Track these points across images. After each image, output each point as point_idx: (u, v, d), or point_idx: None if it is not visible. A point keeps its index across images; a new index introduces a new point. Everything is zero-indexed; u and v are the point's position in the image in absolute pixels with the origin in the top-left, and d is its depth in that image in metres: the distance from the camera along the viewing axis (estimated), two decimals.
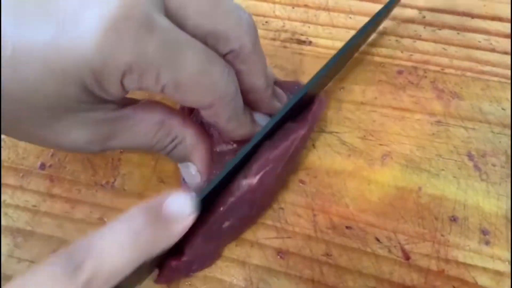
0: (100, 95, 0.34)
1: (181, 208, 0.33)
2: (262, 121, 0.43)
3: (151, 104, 0.40)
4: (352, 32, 0.45)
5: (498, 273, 0.41)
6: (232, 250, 0.45)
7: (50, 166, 0.51)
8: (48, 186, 0.50)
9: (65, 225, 0.48)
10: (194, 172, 0.43)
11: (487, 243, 0.42)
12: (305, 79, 0.49)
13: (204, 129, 0.44)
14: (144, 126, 0.39)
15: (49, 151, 0.51)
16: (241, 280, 0.44)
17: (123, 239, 0.30)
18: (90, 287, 0.27)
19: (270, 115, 0.43)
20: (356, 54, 0.50)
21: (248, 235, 0.45)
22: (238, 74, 0.38)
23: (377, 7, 0.49)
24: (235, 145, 0.44)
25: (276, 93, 0.44)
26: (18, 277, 0.27)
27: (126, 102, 0.39)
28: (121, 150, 0.50)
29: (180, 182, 0.46)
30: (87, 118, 0.36)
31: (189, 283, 0.44)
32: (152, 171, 0.49)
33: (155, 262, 0.37)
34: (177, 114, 0.41)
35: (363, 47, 0.50)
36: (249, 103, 0.42)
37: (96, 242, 0.29)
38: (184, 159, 0.43)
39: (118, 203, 0.48)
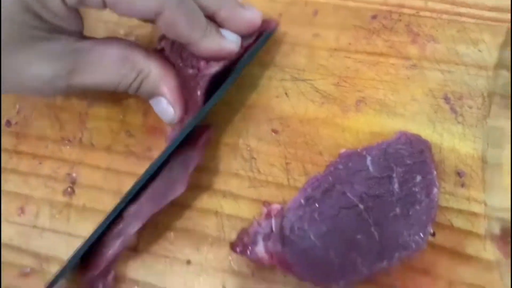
0: (44, 14, 0.33)
1: None
2: (231, 36, 0.41)
3: (112, 39, 0.39)
4: None
5: (473, 214, 0.40)
6: (205, 201, 0.43)
7: (16, 123, 0.48)
8: (14, 143, 0.47)
9: (31, 181, 0.46)
10: (165, 105, 0.41)
11: (462, 185, 0.41)
12: None
13: (169, 61, 0.42)
14: (106, 61, 0.38)
15: (14, 108, 0.49)
16: (213, 229, 0.42)
17: None
18: None
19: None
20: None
21: (220, 185, 0.44)
22: None
23: None
24: (203, 70, 0.42)
25: (244, 13, 0.42)
26: None
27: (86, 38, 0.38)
28: (89, 104, 0.48)
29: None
30: (47, 50, 0.35)
31: (161, 234, 0.43)
32: (120, 125, 0.47)
33: None
34: (140, 48, 0.40)
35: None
36: (220, 23, 0.41)
37: None
38: (153, 93, 0.41)
39: (86, 158, 0.46)
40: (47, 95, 0.45)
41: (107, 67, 0.38)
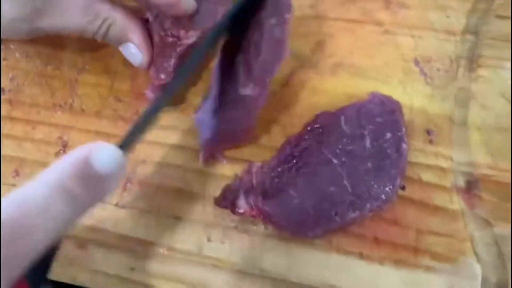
0: None
1: (109, 164, 0.30)
2: None
3: None
4: None
5: (441, 169, 0.43)
6: (191, 162, 0.46)
7: (9, 90, 0.50)
8: (8, 109, 0.49)
9: (25, 145, 0.48)
10: (134, 50, 0.44)
11: (431, 142, 0.43)
12: None
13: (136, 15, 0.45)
14: (71, 7, 0.40)
15: (7, 76, 0.51)
16: (199, 188, 0.45)
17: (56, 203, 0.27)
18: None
19: None
20: None
21: None
22: None
23: None
24: (182, 39, 0.44)
25: None
26: None
27: None
28: (78, 72, 0.50)
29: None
30: None
31: (148, 192, 0.45)
32: (109, 91, 0.49)
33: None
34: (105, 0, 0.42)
35: None
36: None
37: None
38: (121, 40, 0.44)
39: (77, 123, 0.48)
40: (11, 36, 0.45)
41: (70, 12, 0.40)
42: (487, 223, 0.41)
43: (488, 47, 0.45)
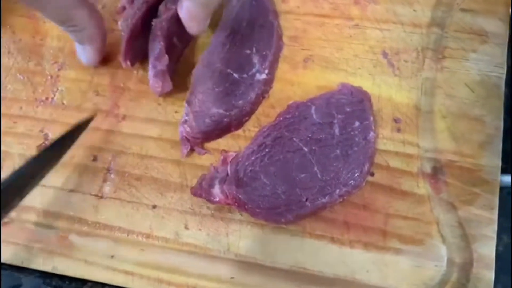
0: None
1: None
2: None
3: None
4: None
5: (408, 155, 0.44)
6: (168, 152, 0.46)
7: None
8: None
9: (7, 139, 0.48)
10: (91, 53, 0.46)
11: (398, 130, 0.44)
12: None
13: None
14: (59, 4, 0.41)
15: None
16: (176, 177, 0.45)
17: None
18: None
19: None
20: None
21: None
22: None
23: None
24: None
25: None
26: None
27: None
28: (59, 68, 0.50)
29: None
30: None
31: (128, 183, 0.45)
32: (89, 85, 0.49)
33: None
34: (87, 6, 0.43)
35: None
36: None
37: None
38: (84, 43, 0.45)
39: (58, 117, 0.48)
40: None
41: (55, 4, 0.41)
42: (452, 207, 0.42)
43: (453, 39, 0.46)
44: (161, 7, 0.45)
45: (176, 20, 0.43)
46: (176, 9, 0.42)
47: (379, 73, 0.46)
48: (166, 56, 0.44)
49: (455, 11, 0.47)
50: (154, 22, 0.45)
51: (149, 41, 0.45)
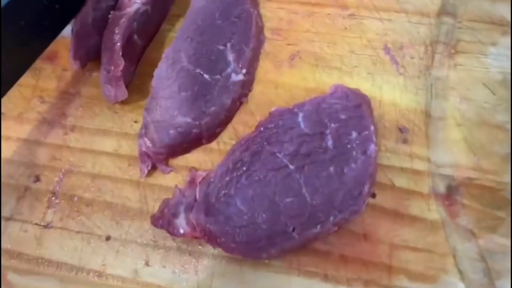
0: None
1: None
2: None
3: None
4: None
5: (416, 172, 0.36)
6: (125, 170, 0.38)
7: None
8: None
9: None
10: None
11: (404, 141, 0.37)
12: None
13: None
14: None
15: None
16: (135, 201, 0.38)
17: None
18: None
19: None
20: None
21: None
22: None
23: None
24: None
25: None
26: None
27: None
28: None
29: None
30: None
31: (76, 209, 0.38)
32: (33, 91, 0.42)
33: None
34: None
35: None
36: None
37: None
38: None
39: None
40: None
41: None
42: (472, 234, 0.35)
43: (467, 30, 0.40)
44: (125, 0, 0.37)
45: (141, 15, 0.37)
46: (142, 5, 0.36)
47: (380, 72, 0.39)
48: (122, 60, 0.37)
49: None
50: (112, 15, 0.37)
51: (103, 38, 0.37)
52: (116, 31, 0.37)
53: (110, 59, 0.37)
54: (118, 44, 0.37)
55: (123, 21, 0.37)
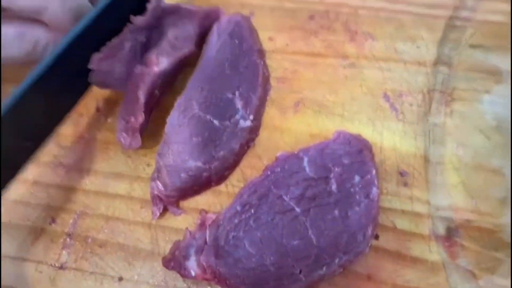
0: None
1: None
2: None
3: (11, 17, 0.37)
4: None
5: (417, 215, 0.37)
6: (137, 212, 0.39)
7: None
8: None
9: None
10: None
11: (405, 185, 0.38)
12: None
13: None
14: (5, 40, 0.37)
15: None
16: (146, 243, 0.38)
17: None
18: None
19: None
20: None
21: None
22: None
23: None
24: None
25: None
26: None
27: None
28: None
29: None
30: None
31: (90, 250, 0.38)
32: None
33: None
34: (39, 24, 0.38)
35: None
36: None
37: None
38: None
39: None
40: None
41: (6, 45, 0.37)
42: (472, 275, 0.35)
43: (462, 79, 0.41)
44: (152, 57, 0.39)
45: (165, 72, 0.39)
46: (168, 64, 0.39)
47: (380, 119, 0.40)
48: (143, 115, 0.38)
49: (463, 47, 0.41)
50: (139, 70, 0.39)
51: (127, 89, 0.39)
52: (142, 87, 0.38)
53: (131, 111, 0.38)
54: (142, 100, 0.38)
55: (150, 78, 0.38)
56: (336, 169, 0.37)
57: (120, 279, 0.37)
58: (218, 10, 0.43)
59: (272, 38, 0.44)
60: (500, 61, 0.41)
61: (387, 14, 0.43)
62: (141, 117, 0.38)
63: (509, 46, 0.41)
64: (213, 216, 0.37)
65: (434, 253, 0.36)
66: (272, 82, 0.42)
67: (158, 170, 0.39)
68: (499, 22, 0.42)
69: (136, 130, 0.38)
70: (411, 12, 0.43)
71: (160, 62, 0.40)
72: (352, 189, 0.36)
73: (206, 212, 0.38)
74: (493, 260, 0.35)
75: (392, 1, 0.44)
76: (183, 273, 0.35)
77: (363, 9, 0.44)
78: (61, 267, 0.38)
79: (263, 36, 0.44)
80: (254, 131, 0.40)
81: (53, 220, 0.40)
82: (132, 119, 0.38)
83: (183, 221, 0.39)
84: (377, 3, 0.44)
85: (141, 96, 0.38)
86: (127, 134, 0.38)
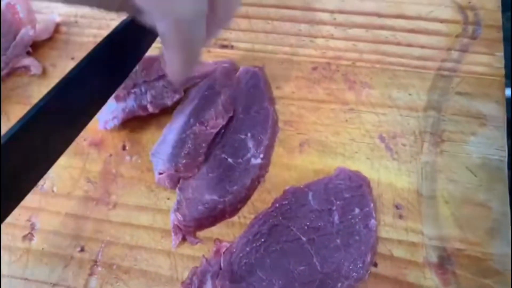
0: None
1: None
2: None
3: None
4: (271, 37, 0.49)
5: (412, 244, 0.40)
6: (158, 242, 0.43)
7: None
8: None
9: None
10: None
11: (400, 217, 0.42)
12: None
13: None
14: None
15: None
16: (166, 269, 0.42)
17: None
18: None
19: None
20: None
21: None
22: None
23: (296, 13, 0.50)
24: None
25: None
26: None
27: None
28: None
29: None
30: None
31: (115, 276, 0.42)
32: (80, 172, 0.47)
33: None
34: None
35: None
36: None
37: None
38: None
39: (47, 205, 0.46)
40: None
41: None
42: None
43: (450, 122, 0.45)
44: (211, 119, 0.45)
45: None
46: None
47: (377, 157, 0.44)
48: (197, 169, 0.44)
49: (450, 94, 0.46)
50: (198, 129, 0.44)
51: (186, 151, 0.44)
52: (203, 145, 0.44)
53: (188, 166, 0.43)
54: (202, 157, 0.43)
55: (210, 138, 0.44)
56: (338, 202, 0.40)
57: None
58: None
59: (280, 86, 0.48)
60: (483, 106, 0.45)
61: (382, 65, 0.48)
62: (196, 171, 0.44)
63: (491, 92, 0.45)
64: (227, 245, 0.41)
65: (428, 279, 0.39)
66: (280, 124, 0.46)
67: (178, 202, 0.43)
68: (481, 72, 0.46)
69: (174, 176, 0.43)
70: (404, 64, 0.48)
71: (219, 123, 0.45)
72: (352, 220, 0.40)
73: (221, 241, 0.41)
74: (483, 286, 0.38)
75: (386, 54, 0.49)
76: None
77: (360, 61, 0.49)
78: None
79: (272, 84, 0.48)
80: (264, 168, 0.44)
81: (82, 249, 0.43)
82: (182, 169, 0.43)
83: (199, 249, 0.42)
84: (373, 56, 0.49)
85: (202, 154, 0.44)
86: (173, 182, 0.44)
